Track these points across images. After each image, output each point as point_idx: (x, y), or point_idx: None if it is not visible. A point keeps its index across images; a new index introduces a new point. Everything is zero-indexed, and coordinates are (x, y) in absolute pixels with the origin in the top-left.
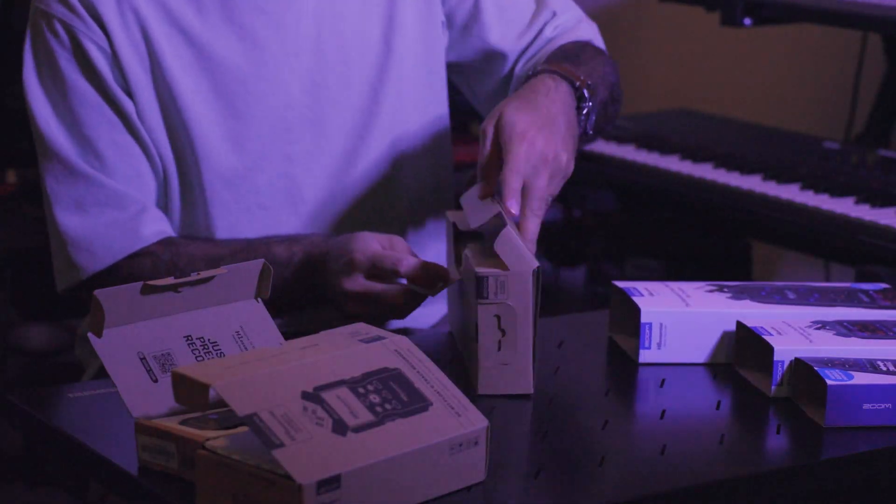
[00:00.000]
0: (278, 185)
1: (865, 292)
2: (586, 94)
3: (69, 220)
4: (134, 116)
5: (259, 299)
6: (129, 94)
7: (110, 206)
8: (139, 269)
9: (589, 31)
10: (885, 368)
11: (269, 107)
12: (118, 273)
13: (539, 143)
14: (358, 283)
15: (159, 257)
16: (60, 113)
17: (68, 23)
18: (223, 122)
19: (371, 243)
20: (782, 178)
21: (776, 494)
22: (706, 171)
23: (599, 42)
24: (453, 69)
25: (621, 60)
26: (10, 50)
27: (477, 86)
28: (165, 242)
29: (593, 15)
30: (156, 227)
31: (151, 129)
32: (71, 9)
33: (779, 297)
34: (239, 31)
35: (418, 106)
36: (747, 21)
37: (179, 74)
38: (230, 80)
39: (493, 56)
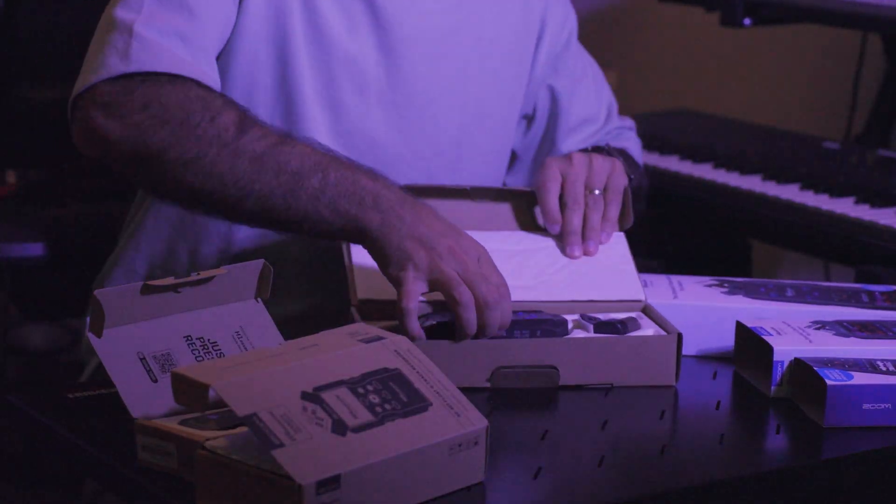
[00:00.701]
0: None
1: (868, 293)
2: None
3: (147, 28)
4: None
5: (259, 299)
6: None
7: (191, 46)
8: (200, 100)
9: (634, 145)
10: (884, 368)
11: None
12: (172, 90)
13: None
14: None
15: (225, 105)
16: None
17: None
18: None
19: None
20: (782, 178)
21: (776, 494)
22: (706, 171)
23: (637, 153)
24: None
25: (621, 60)
26: (12, 50)
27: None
28: (236, 107)
29: (594, 15)
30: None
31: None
32: None
33: (776, 295)
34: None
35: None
36: (747, 21)
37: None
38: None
39: (549, 150)
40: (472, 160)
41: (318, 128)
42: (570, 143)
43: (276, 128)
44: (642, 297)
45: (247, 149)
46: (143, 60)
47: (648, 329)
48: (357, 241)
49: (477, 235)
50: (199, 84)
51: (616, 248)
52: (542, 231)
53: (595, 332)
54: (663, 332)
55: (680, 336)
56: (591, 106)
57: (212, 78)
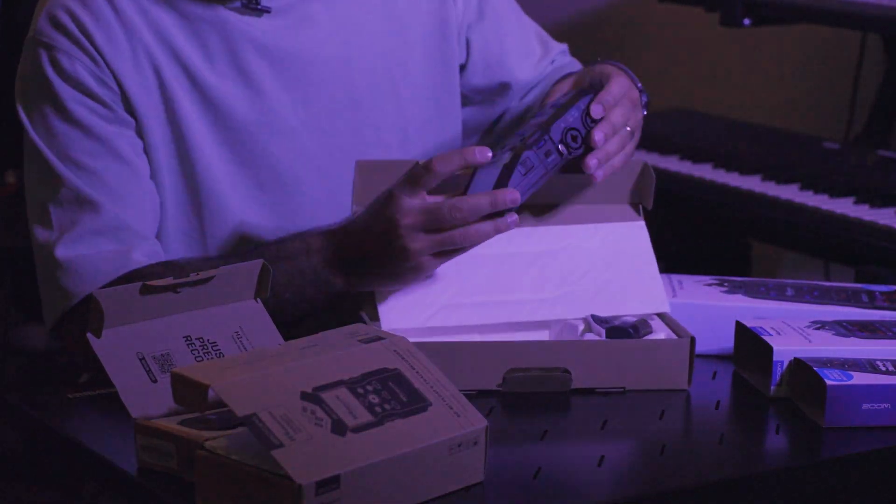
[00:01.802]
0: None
1: (868, 293)
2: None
3: (66, 248)
4: (140, 153)
5: (258, 299)
6: (140, 135)
7: (107, 235)
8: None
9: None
10: (884, 369)
11: (276, 156)
12: None
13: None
14: (418, 199)
15: (156, 273)
16: (63, 143)
17: (72, 55)
18: (235, 170)
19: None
20: (782, 178)
21: (775, 494)
22: (706, 171)
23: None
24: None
25: (621, 60)
26: (11, 51)
27: (476, 115)
28: (163, 264)
29: (594, 15)
30: (149, 249)
31: (160, 167)
32: (76, 43)
33: (776, 294)
34: (245, 78)
35: (427, 146)
36: (747, 21)
37: (191, 120)
38: (239, 128)
39: (506, 87)
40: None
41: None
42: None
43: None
44: (667, 309)
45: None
46: (77, 289)
47: (661, 332)
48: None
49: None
50: (125, 278)
51: (638, 243)
52: (563, 216)
53: (607, 336)
54: (675, 336)
55: (693, 340)
56: (526, 40)
57: (130, 235)
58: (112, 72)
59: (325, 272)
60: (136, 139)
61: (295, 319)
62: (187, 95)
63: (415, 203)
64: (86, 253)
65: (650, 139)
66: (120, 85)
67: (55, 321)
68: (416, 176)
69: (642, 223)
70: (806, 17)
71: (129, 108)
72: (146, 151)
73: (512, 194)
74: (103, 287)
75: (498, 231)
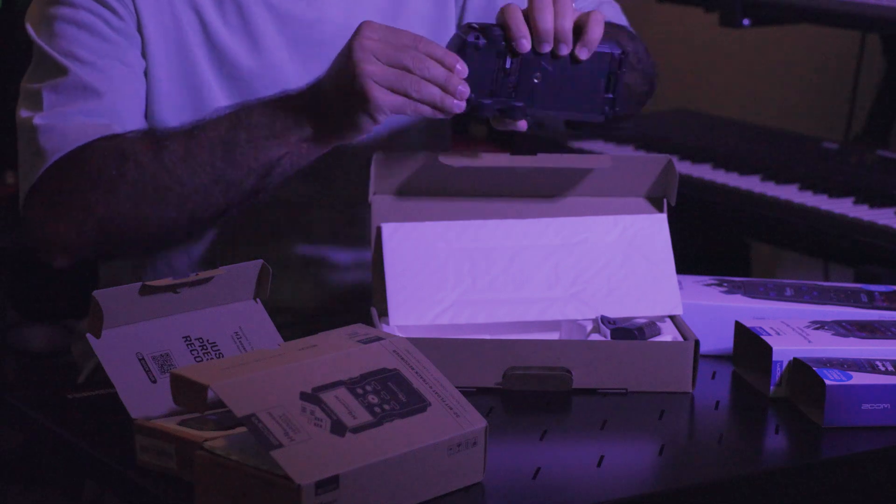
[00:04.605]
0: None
1: (867, 293)
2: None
3: (49, 117)
4: (141, 67)
5: (258, 300)
6: (143, 57)
7: (99, 116)
8: (111, 148)
9: (613, 12)
10: (883, 368)
11: None
12: (86, 158)
13: None
14: (376, 34)
15: (134, 139)
16: (69, 42)
17: None
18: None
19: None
20: (781, 178)
21: (775, 494)
22: (705, 172)
23: (625, 23)
24: None
25: None
26: (10, 52)
27: None
28: (141, 131)
29: None
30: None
31: (161, 93)
32: None
33: (775, 294)
34: (251, 34)
35: None
36: (746, 21)
37: (200, 62)
38: (242, 78)
39: None
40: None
41: None
42: None
43: (186, 125)
44: (679, 311)
45: (170, 158)
46: (51, 149)
47: (667, 335)
48: (319, 111)
49: (513, 226)
50: (104, 139)
51: (658, 238)
52: (580, 208)
53: (612, 337)
54: (681, 338)
55: (697, 343)
56: None
57: (122, 125)
58: None
59: (288, 113)
60: (139, 57)
61: (259, 176)
62: (197, 38)
63: (376, 27)
64: (66, 118)
65: (650, 139)
66: (136, 8)
67: (28, 190)
68: (397, 30)
69: (663, 216)
70: (805, 17)
71: (140, 29)
72: (148, 74)
73: (460, 63)
74: (79, 147)
75: (443, 103)
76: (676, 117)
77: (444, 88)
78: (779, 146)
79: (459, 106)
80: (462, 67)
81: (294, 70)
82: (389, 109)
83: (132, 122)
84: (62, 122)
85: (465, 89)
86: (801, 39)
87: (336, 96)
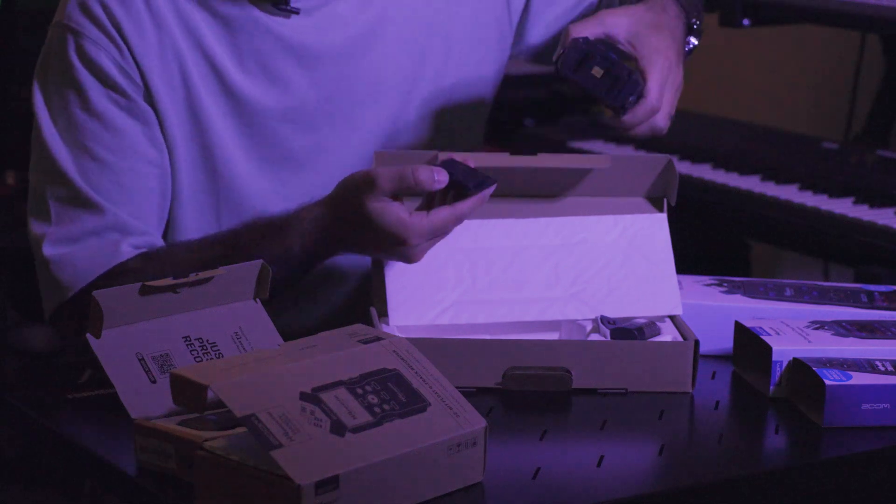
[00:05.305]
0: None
1: (867, 293)
2: (694, 26)
3: (56, 245)
4: (158, 146)
5: (258, 300)
6: (161, 129)
7: (102, 235)
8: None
9: None
10: (883, 368)
11: (300, 152)
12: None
13: (671, 58)
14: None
15: (143, 272)
16: (78, 132)
17: (99, 43)
18: (257, 166)
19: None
20: (781, 178)
21: (775, 494)
22: (705, 172)
23: None
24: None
25: None
26: (9, 53)
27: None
28: (144, 256)
29: None
30: (139, 241)
31: (178, 162)
32: (104, 32)
33: (775, 294)
34: (271, 76)
35: (452, 143)
36: (746, 22)
37: (215, 117)
38: (263, 124)
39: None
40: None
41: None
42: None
43: (194, 259)
44: (679, 312)
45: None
46: (66, 282)
47: (667, 335)
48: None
49: (513, 226)
50: (121, 272)
51: (658, 238)
52: (580, 208)
53: (611, 337)
54: (680, 338)
55: (697, 343)
56: None
57: (132, 234)
58: (137, 65)
59: (316, 248)
60: (155, 133)
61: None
62: (212, 92)
63: (424, 223)
64: (74, 249)
65: (650, 139)
66: (144, 78)
67: (52, 312)
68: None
69: (663, 216)
70: (805, 18)
71: (151, 102)
72: (166, 145)
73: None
74: (95, 280)
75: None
76: (676, 117)
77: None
78: (779, 146)
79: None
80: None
81: (320, 111)
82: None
83: (142, 225)
84: (71, 253)
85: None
86: (801, 39)
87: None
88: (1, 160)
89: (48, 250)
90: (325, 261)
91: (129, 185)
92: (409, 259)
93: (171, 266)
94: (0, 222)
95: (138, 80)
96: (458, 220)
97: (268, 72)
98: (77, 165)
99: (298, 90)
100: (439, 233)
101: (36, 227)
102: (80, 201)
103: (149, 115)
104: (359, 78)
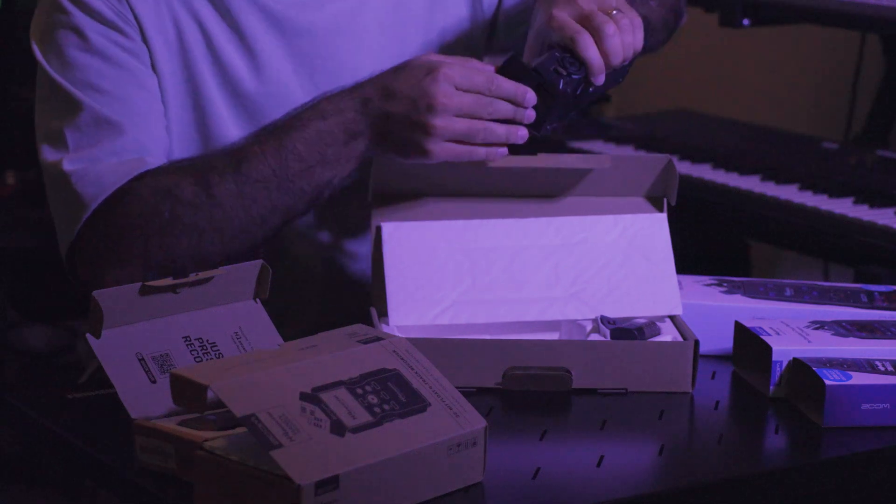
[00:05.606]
0: None
1: (867, 293)
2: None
3: (78, 161)
4: (156, 84)
5: (258, 300)
6: (154, 71)
7: (125, 155)
8: (156, 191)
9: None
10: (883, 369)
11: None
12: (130, 203)
13: None
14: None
15: (167, 171)
16: (84, 72)
17: None
18: (245, 132)
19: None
20: (781, 178)
21: (775, 494)
22: (705, 172)
23: None
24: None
25: None
26: (9, 53)
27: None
28: (175, 162)
29: None
30: (157, 163)
31: (169, 108)
32: None
33: (774, 294)
34: (251, 50)
35: None
36: (746, 22)
37: (205, 78)
38: (246, 96)
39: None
40: None
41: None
42: None
43: (225, 158)
44: (679, 311)
45: (223, 194)
46: (89, 195)
47: (667, 335)
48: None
49: (513, 226)
50: (142, 180)
51: (658, 238)
52: (580, 208)
53: (611, 337)
54: (680, 338)
55: (696, 343)
56: None
57: (152, 156)
58: (132, 9)
59: (352, 126)
60: (153, 74)
61: (312, 198)
62: (203, 55)
63: (454, 73)
64: (98, 166)
65: (650, 139)
66: (138, 22)
67: (72, 240)
68: (471, 70)
69: (663, 216)
70: (805, 18)
71: (146, 42)
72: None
73: (530, 92)
74: (124, 184)
75: (508, 139)
76: (676, 117)
77: (511, 122)
78: (779, 146)
79: (523, 137)
80: (532, 96)
81: (300, 87)
82: (446, 159)
83: (160, 150)
84: (94, 166)
85: (532, 115)
86: (801, 39)
87: (397, 137)
88: (1, 160)
89: (69, 165)
90: (354, 139)
91: (141, 111)
92: (429, 153)
93: (203, 160)
94: (0, 222)
95: (133, 22)
96: (491, 88)
97: (247, 44)
98: (88, 97)
99: (277, 64)
100: (466, 89)
101: (49, 154)
102: (100, 124)
103: (146, 55)
104: (338, 57)
